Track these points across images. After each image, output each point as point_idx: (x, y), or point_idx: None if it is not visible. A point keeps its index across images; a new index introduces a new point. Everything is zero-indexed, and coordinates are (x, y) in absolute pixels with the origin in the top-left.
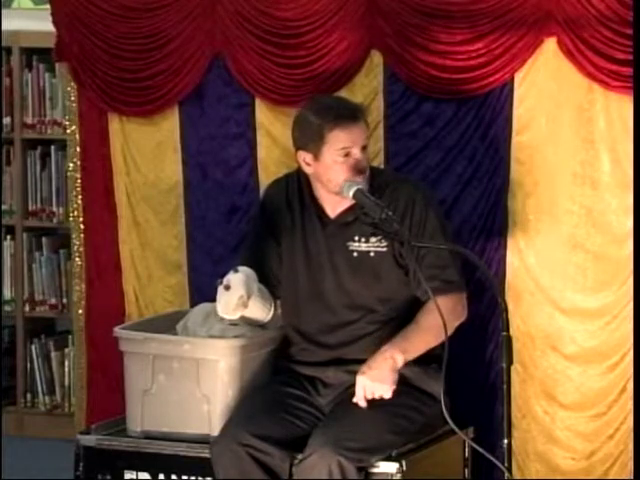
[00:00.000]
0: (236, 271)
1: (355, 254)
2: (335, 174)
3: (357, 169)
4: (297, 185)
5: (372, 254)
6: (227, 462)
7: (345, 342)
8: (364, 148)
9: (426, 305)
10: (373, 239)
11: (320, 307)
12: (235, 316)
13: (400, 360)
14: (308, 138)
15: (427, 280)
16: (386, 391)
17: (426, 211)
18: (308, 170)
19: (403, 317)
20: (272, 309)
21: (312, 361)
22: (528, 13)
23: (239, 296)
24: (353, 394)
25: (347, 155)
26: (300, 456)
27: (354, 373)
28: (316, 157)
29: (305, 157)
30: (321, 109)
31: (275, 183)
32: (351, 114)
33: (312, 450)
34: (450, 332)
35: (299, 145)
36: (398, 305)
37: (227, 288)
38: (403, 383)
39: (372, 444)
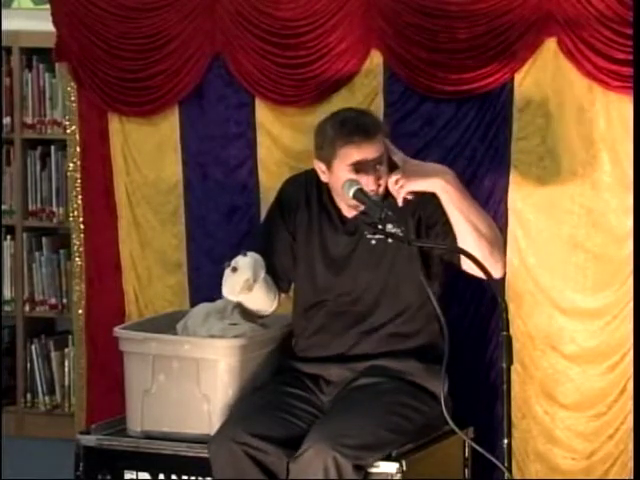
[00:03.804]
0: (245, 255)
1: (373, 242)
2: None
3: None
4: (316, 183)
5: (390, 240)
6: (224, 460)
7: (353, 337)
8: (378, 165)
9: None
10: (389, 225)
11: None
12: (239, 298)
13: (451, 182)
14: (322, 149)
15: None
16: (413, 184)
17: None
18: (323, 178)
19: (413, 316)
20: (276, 301)
21: (318, 356)
22: (528, 13)
23: (245, 279)
24: (352, 390)
25: (358, 172)
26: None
27: (357, 370)
28: (329, 168)
29: (320, 166)
30: (338, 122)
31: (294, 179)
32: (364, 130)
33: (308, 445)
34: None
35: (315, 154)
36: (410, 300)
37: (234, 270)
38: (404, 381)
39: (369, 441)
